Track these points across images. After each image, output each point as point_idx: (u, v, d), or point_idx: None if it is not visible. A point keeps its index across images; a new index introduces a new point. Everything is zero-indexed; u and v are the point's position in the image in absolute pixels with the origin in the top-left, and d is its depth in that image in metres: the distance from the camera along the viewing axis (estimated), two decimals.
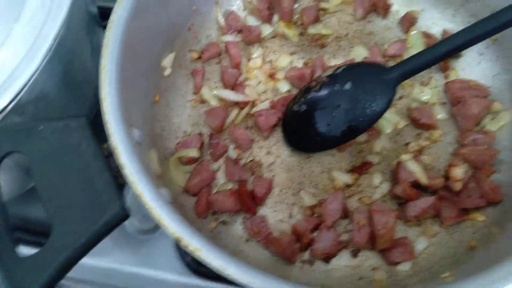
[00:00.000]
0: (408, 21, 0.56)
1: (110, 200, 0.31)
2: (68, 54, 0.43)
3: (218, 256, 0.30)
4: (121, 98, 0.38)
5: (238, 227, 0.48)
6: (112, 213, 0.30)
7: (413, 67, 0.44)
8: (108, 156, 0.34)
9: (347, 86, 0.46)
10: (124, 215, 0.31)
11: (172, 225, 0.31)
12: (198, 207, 0.47)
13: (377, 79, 0.45)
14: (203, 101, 0.55)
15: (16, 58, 0.39)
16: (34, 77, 0.38)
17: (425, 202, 0.45)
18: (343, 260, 0.46)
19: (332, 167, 0.50)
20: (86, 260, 0.50)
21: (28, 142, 0.33)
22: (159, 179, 0.42)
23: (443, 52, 0.43)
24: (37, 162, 0.33)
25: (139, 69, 0.46)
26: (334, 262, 0.46)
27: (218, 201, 0.46)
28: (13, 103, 0.37)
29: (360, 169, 0.50)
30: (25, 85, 0.37)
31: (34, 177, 0.32)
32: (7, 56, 0.39)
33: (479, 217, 0.45)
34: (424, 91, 0.53)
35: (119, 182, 0.33)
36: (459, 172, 0.45)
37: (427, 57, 0.43)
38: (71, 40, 0.43)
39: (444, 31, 0.55)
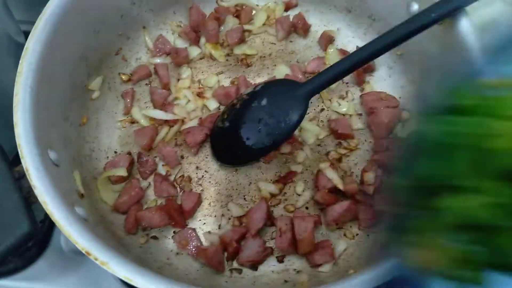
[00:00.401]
0: (326, 40, 0.60)
1: (19, 219, 0.32)
2: None
3: (124, 267, 0.31)
4: (36, 122, 0.39)
5: (168, 241, 0.49)
6: (21, 232, 0.31)
7: (320, 82, 0.48)
8: (20, 178, 0.35)
9: (264, 102, 0.49)
10: (34, 233, 0.32)
11: (81, 240, 0.32)
12: (127, 224, 0.48)
13: (290, 95, 0.49)
14: (133, 122, 0.56)
15: None
16: None
17: (341, 206, 0.48)
18: (269, 266, 0.48)
19: (259, 178, 0.53)
20: (24, 285, 0.51)
21: None
22: (83, 199, 0.43)
23: (346, 66, 0.47)
24: None
25: (60, 94, 0.47)
26: (262, 268, 0.48)
27: (146, 217, 0.48)
28: None
29: (285, 179, 0.52)
30: None
31: None
32: None
33: None
34: (342, 104, 0.57)
35: (32, 202, 0.34)
36: (371, 177, 0.49)
37: (333, 72, 0.47)
38: None
39: (357, 48, 0.59)
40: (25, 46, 0.41)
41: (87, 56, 0.51)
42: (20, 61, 0.40)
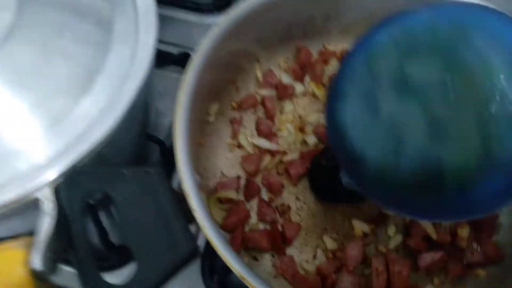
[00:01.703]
0: None
1: (185, 240, 0.37)
2: (139, 101, 0.49)
3: None
4: (187, 148, 0.45)
5: (267, 263, 0.54)
6: (188, 251, 0.36)
7: None
8: (182, 200, 0.40)
9: None
10: (197, 253, 0.37)
11: (239, 268, 0.37)
12: (234, 243, 0.53)
13: None
14: (239, 146, 0.61)
15: (99, 107, 0.45)
16: (115, 124, 0.44)
17: (435, 255, 0.52)
18: None
19: (353, 216, 0.57)
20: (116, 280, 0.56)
21: (113, 184, 0.39)
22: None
23: None
24: (120, 203, 0.38)
25: (194, 119, 0.52)
26: None
27: (254, 239, 0.52)
28: (96, 147, 0.43)
29: (377, 220, 0.56)
30: (108, 131, 0.43)
31: (118, 216, 0.38)
32: (91, 104, 0.45)
33: (481, 272, 0.51)
34: None
35: (189, 223, 0.39)
36: (465, 232, 0.52)
37: None
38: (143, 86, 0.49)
39: None
40: (183, 78, 0.46)
41: (214, 86, 0.57)
42: (179, 92, 0.46)
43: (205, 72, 0.49)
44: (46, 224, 0.37)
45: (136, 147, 0.60)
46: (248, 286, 0.36)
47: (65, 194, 0.39)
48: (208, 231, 0.38)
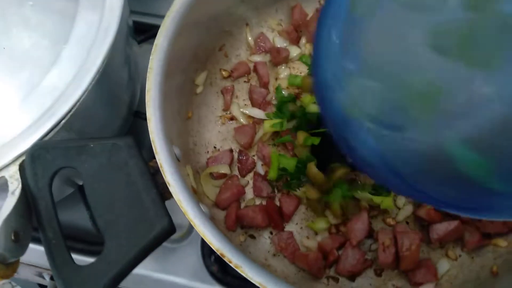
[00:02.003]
0: None
1: (158, 215, 0.33)
2: (111, 72, 0.45)
3: (257, 273, 0.32)
4: (163, 117, 0.41)
5: (265, 241, 0.50)
6: (161, 228, 0.32)
7: None
8: (155, 173, 0.36)
9: None
10: (172, 230, 0.33)
11: (215, 241, 0.33)
12: (228, 220, 0.49)
13: None
14: (232, 118, 0.57)
15: (66, 79, 0.41)
16: (83, 97, 0.40)
17: (448, 225, 0.46)
18: (367, 278, 0.47)
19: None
20: None
21: (80, 159, 0.36)
22: (195, 194, 0.44)
23: None
24: (88, 178, 0.35)
25: (175, 89, 0.48)
26: (359, 280, 0.47)
27: (248, 216, 0.48)
28: (64, 121, 0.39)
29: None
30: (75, 104, 0.39)
31: (86, 193, 0.35)
32: (58, 76, 0.41)
33: (501, 243, 0.46)
34: None
35: (165, 197, 0.35)
36: None
37: None
38: (114, 57, 0.46)
39: None
40: (154, 42, 0.42)
41: (197, 52, 0.52)
42: (150, 57, 0.41)
43: (182, 35, 0.45)
44: (7, 204, 0.34)
45: (125, 125, 0.56)
46: (226, 261, 0.32)
47: (30, 171, 0.36)
48: (184, 205, 0.34)
